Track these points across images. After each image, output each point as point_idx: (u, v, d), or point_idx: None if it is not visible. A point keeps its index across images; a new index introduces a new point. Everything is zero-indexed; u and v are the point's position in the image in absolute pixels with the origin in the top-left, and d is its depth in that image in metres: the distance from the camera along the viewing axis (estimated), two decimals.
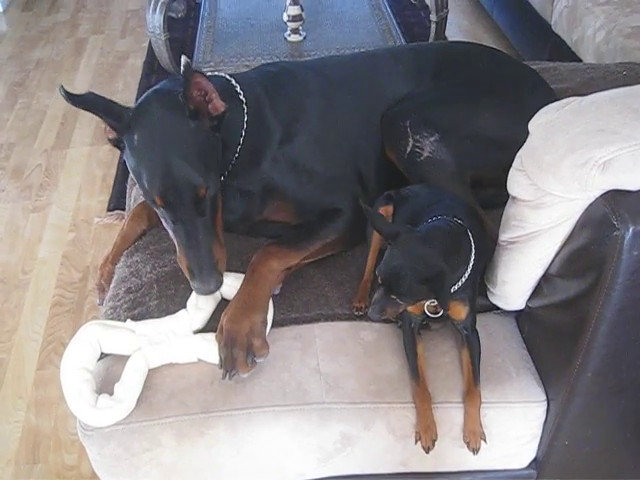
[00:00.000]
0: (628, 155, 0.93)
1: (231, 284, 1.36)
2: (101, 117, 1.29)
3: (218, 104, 1.30)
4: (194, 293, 1.36)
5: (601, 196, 1.00)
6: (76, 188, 2.83)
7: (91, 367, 1.26)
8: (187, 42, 3.62)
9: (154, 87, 1.37)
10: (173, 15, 2.90)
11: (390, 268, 1.13)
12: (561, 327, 1.20)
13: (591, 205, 1.02)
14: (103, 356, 1.32)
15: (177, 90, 1.26)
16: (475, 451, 1.24)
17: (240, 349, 1.24)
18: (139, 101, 1.33)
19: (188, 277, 1.30)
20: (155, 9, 2.76)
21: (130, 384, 1.22)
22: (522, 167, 1.07)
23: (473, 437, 1.23)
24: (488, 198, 1.51)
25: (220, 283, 1.30)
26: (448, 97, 1.56)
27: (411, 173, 1.48)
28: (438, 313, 1.24)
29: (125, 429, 1.23)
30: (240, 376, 1.24)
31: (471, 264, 1.20)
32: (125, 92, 3.44)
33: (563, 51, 2.70)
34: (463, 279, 1.19)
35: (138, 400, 1.24)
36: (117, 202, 2.66)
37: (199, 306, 1.34)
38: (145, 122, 1.27)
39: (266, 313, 1.31)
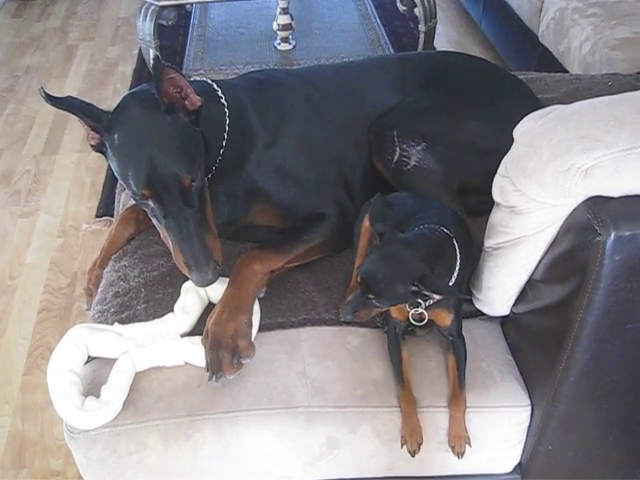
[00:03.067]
0: (610, 162, 0.95)
1: (218, 288, 1.36)
2: (81, 118, 1.31)
3: (194, 99, 1.31)
4: (182, 296, 1.37)
5: (584, 202, 1.02)
6: (65, 194, 2.83)
7: (78, 370, 1.26)
8: (177, 50, 3.63)
9: (132, 90, 1.40)
10: (164, 23, 2.91)
11: (370, 267, 1.14)
12: (545, 332, 1.21)
13: (574, 211, 1.04)
14: (90, 359, 1.32)
15: (153, 90, 1.27)
16: (460, 455, 1.25)
17: (226, 351, 1.25)
18: (117, 103, 1.35)
19: (186, 272, 1.31)
20: (146, 17, 2.77)
21: (117, 386, 1.22)
22: (507, 173, 1.09)
23: (458, 441, 1.24)
24: (474, 205, 1.52)
25: (218, 272, 1.31)
26: (435, 106, 1.58)
27: (398, 182, 1.50)
28: (423, 320, 1.25)
29: (112, 432, 1.23)
30: (226, 378, 1.24)
31: (456, 272, 1.22)
32: (115, 99, 3.44)
33: (550, 62, 2.73)
34: (458, 265, 1.22)
35: (125, 403, 1.24)
36: (106, 208, 2.66)
37: (186, 309, 1.34)
38: (123, 121, 1.29)
39: (251, 314, 1.32)
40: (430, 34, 3.02)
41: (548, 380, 1.20)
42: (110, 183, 2.77)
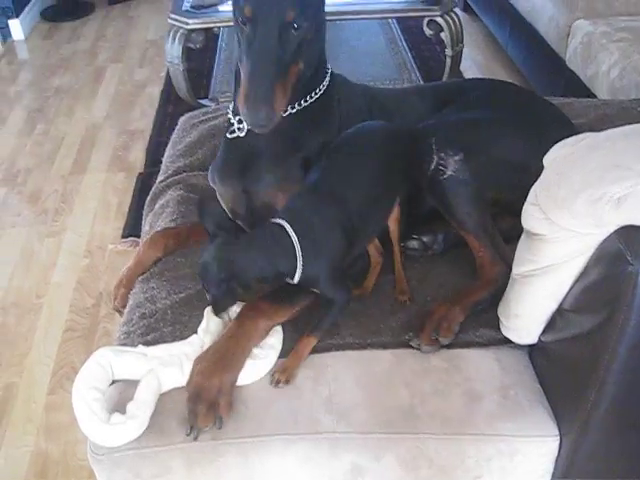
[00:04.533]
0: None
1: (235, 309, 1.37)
2: None
3: None
4: (205, 319, 1.37)
5: (615, 231, 1.00)
6: (91, 214, 2.86)
7: (103, 388, 1.26)
8: (204, 72, 3.67)
9: None
10: (192, 46, 2.95)
11: (201, 266, 1.27)
12: (574, 362, 1.19)
13: (605, 240, 1.03)
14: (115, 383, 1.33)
15: None
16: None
17: (204, 405, 1.23)
18: None
19: (241, 106, 1.29)
20: (174, 40, 2.81)
21: (143, 400, 1.22)
22: (536, 201, 1.08)
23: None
24: (507, 230, 1.52)
25: (271, 121, 1.29)
26: (473, 120, 1.58)
27: (433, 191, 1.49)
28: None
29: (135, 454, 1.23)
30: (201, 430, 1.23)
31: (299, 257, 1.26)
32: (142, 120, 3.49)
33: (577, 87, 2.72)
34: (298, 271, 1.27)
35: (149, 425, 1.24)
36: (132, 229, 2.68)
37: (209, 330, 1.34)
38: None
39: (238, 372, 1.29)
40: (457, 58, 3.03)
41: (577, 410, 1.18)
42: (136, 204, 2.79)
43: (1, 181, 3.10)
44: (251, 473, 1.25)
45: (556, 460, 1.27)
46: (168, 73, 3.77)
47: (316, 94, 1.48)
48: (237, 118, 1.50)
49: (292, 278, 1.29)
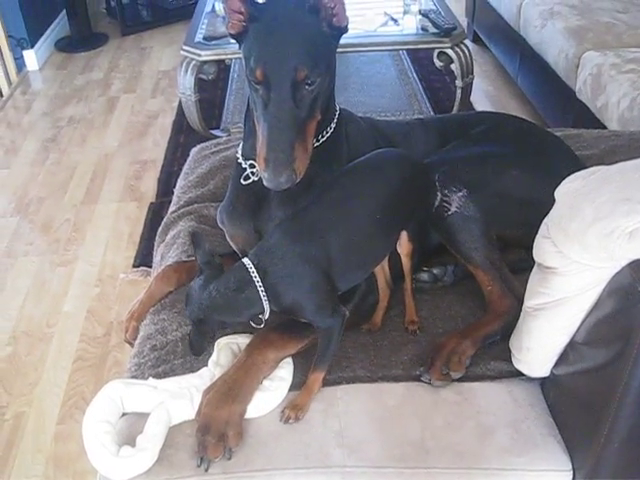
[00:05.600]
0: None
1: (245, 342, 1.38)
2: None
3: (342, 17, 1.37)
4: (215, 352, 1.37)
5: (628, 265, 1.00)
6: (103, 243, 2.88)
7: (113, 421, 1.26)
8: (216, 103, 3.71)
9: None
10: (204, 77, 2.99)
11: (187, 297, 1.31)
12: (587, 395, 1.18)
13: (617, 274, 1.02)
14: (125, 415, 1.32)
15: None
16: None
17: (213, 437, 1.23)
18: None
19: (262, 168, 1.30)
20: (187, 71, 2.84)
21: (153, 434, 1.22)
22: (548, 234, 1.08)
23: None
24: (515, 263, 1.52)
25: (292, 182, 1.29)
26: (477, 155, 1.59)
27: (439, 227, 1.50)
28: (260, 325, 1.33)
29: None
30: (212, 461, 1.22)
31: (262, 297, 1.26)
32: (155, 150, 3.52)
33: (587, 118, 2.73)
34: (266, 309, 1.28)
35: (159, 458, 1.23)
36: (143, 259, 2.70)
37: (220, 362, 1.35)
38: (272, 10, 1.37)
39: (247, 404, 1.29)
40: (467, 89, 3.05)
41: (591, 445, 1.17)
42: (148, 234, 2.81)
43: (14, 210, 3.13)
44: None
45: None
46: (180, 104, 3.82)
47: (327, 133, 1.48)
48: (249, 163, 1.50)
49: (263, 314, 1.30)
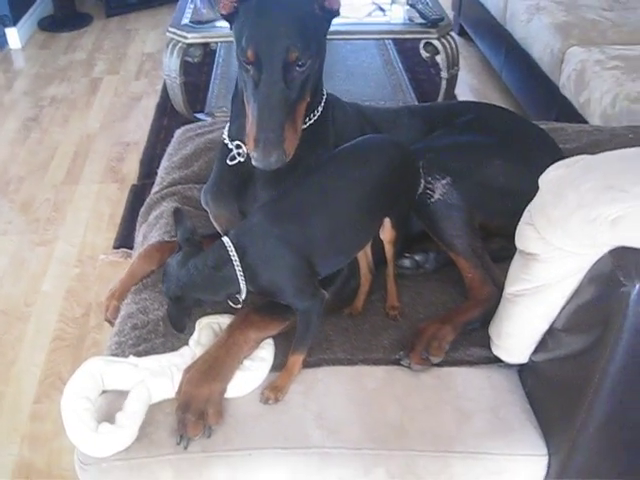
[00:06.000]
0: (637, 213, 0.96)
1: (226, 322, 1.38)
2: None
3: (334, 1, 1.38)
4: (196, 331, 1.38)
5: (609, 252, 1.02)
6: (83, 224, 2.85)
7: (92, 398, 1.26)
8: (201, 87, 3.69)
9: None
10: (189, 60, 2.97)
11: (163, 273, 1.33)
12: (564, 382, 1.20)
13: (598, 261, 1.04)
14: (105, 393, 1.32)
15: None
16: None
17: (193, 414, 1.24)
18: None
19: (251, 148, 1.30)
20: (172, 53, 2.83)
21: (132, 411, 1.21)
22: (531, 221, 1.10)
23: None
24: (497, 251, 1.53)
25: (282, 162, 1.30)
26: (462, 143, 1.60)
27: (421, 214, 1.50)
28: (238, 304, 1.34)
29: (124, 465, 1.22)
30: (191, 439, 1.23)
31: (240, 276, 1.26)
32: (137, 132, 3.50)
33: (570, 113, 2.75)
34: (243, 293, 1.29)
35: (138, 436, 1.23)
36: (123, 240, 2.68)
37: (201, 342, 1.35)
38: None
39: (227, 383, 1.29)
40: (452, 81, 3.06)
41: (566, 430, 1.19)
42: (129, 216, 2.79)
43: None
44: None
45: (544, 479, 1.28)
46: (164, 86, 3.79)
47: (314, 116, 1.48)
48: (235, 144, 1.49)
49: (240, 294, 1.30)
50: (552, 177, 1.08)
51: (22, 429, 2.00)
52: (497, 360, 1.36)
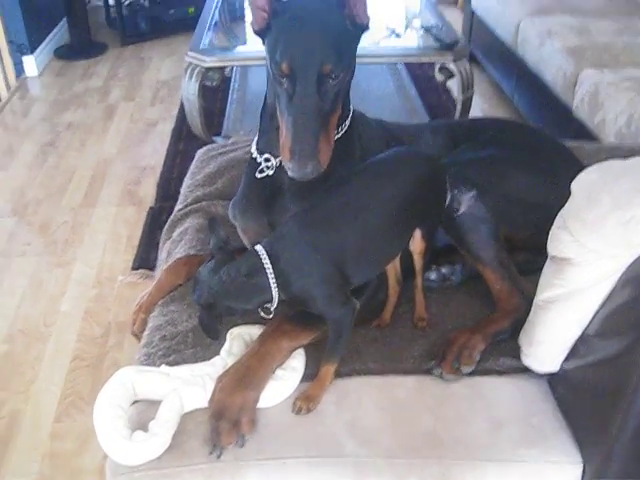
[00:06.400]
0: None
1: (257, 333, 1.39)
2: None
3: (363, 15, 1.40)
4: (228, 341, 1.38)
5: None
6: (101, 246, 2.87)
7: (125, 407, 1.26)
8: (216, 112, 3.72)
9: None
10: (208, 83, 3.01)
11: (194, 281, 1.33)
12: (597, 388, 1.20)
13: (634, 262, 1.04)
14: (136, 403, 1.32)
15: None
16: None
17: (227, 422, 1.24)
18: None
19: (286, 159, 1.32)
20: (191, 77, 2.87)
21: (165, 419, 1.22)
22: (564, 225, 1.10)
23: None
24: (522, 264, 1.54)
25: (317, 172, 1.32)
26: (486, 158, 1.62)
27: (448, 227, 1.52)
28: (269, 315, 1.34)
29: (156, 474, 1.22)
30: (224, 448, 1.23)
31: (272, 285, 1.27)
32: (154, 156, 3.53)
33: (585, 134, 2.78)
34: (275, 301, 1.29)
35: (171, 445, 1.23)
36: (141, 262, 2.70)
37: (232, 351, 1.35)
38: (297, 8, 1.40)
39: (261, 391, 1.30)
40: (467, 104, 3.09)
41: (601, 437, 1.18)
42: (147, 237, 2.82)
43: (11, 211, 3.12)
44: None
45: None
46: (180, 112, 3.85)
47: (342, 130, 1.50)
48: (264, 157, 1.52)
49: (271, 303, 1.31)
50: (585, 182, 1.09)
51: (42, 448, 1.99)
52: (527, 370, 1.36)
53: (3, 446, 2.00)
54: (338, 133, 1.49)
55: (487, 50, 4.10)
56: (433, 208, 1.44)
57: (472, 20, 4.28)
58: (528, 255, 1.58)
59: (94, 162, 3.51)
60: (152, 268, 2.52)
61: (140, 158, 3.55)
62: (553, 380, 1.36)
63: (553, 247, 1.16)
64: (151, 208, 3.06)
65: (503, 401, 1.33)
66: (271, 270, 1.27)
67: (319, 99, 1.32)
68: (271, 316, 1.34)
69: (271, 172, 1.51)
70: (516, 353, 1.37)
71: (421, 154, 1.52)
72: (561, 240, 1.12)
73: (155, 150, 3.60)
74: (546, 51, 3.17)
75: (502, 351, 1.42)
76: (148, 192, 3.23)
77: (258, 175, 1.53)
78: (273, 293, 1.28)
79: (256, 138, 1.58)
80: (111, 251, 2.84)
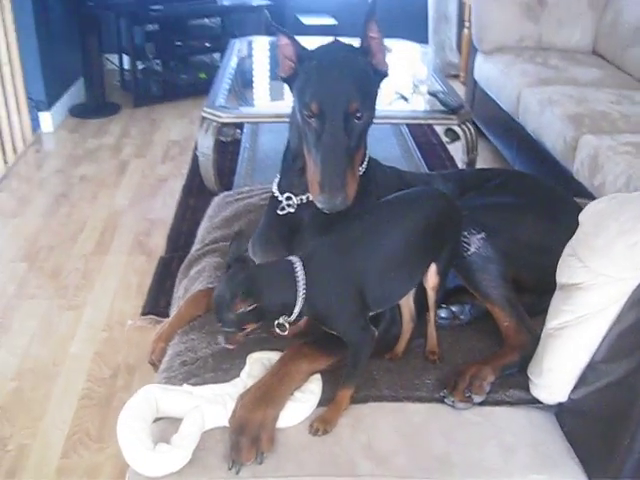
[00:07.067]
0: None
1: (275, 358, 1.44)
2: (293, 43, 1.52)
3: (383, 62, 1.53)
4: (247, 364, 1.43)
5: None
6: (111, 292, 2.92)
7: (148, 420, 1.30)
8: (226, 170, 3.83)
9: None
10: (222, 139, 3.13)
11: (214, 297, 1.34)
12: (604, 413, 1.25)
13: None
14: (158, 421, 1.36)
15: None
16: None
17: (247, 438, 1.28)
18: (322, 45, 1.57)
19: (315, 193, 1.42)
20: (207, 132, 2.99)
21: (188, 433, 1.26)
22: (574, 252, 1.18)
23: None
24: (529, 306, 1.60)
25: (345, 205, 1.41)
26: (494, 203, 1.72)
27: (458, 267, 1.59)
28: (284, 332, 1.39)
29: None
30: (243, 465, 1.26)
31: (301, 293, 1.33)
32: (164, 210, 3.62)
33: (585, 196, 2.87)
34: (295, 312, 1.34)
35: (191, 460, 1.26)
36: (151, 308, 2.75)
37: (252, 374, 1.40)
38: (325, 52, 1.53)
39: (280, 409, 1.35)
40: (472, 165, 3.21)
41: (609, 463, 1.23)
42: (157, 285, 2.87)
43: (23, 257, 3.18)
44: None
45: None
46: (190, 169, 3.97)
47: (360, 172, 1.60)
48: (285, 196, 1.62)
49: (290, 314, 1.36)
50: (592, 211, 1.17)
51: None
52: (535, 402, 1.41)
53: (10, 479, 2.01)
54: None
55: (489, 119, 4.25)
56: (448, 244, 1.52)
57: (474, 90, 4.45)
58: (534, 297, 1.65)
59: (106, 213, 3.60)
60: (161, 314, 2.59)
61: (151, 211, 3.64)
62: (561, 412, 1.40)
63: (562, 274, 1.23)
64: (162, 257, 3.13)
65: (513, 429, 1.37)
66: (304, 280, 1.33)
67: (346, 136, 1.43)
68: (286, 332, 1.39)
69: (292, 210, 1.60)
70: (525, 386, 1.43)
71: (439, 192, 1.61)
72: (570, 266, 1.19)
73: (165, 204, 3.69)
74: (546, 118, 3.30)
75: (512, 384, 1.47)
76: (158, 243, 3.30)
77: (280, 212, 1.61)
78: (298, 303, 1.33)
79: (277, 180, 1.67)
80: (121, 297, 2.89)
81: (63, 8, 4.85)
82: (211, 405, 1.32)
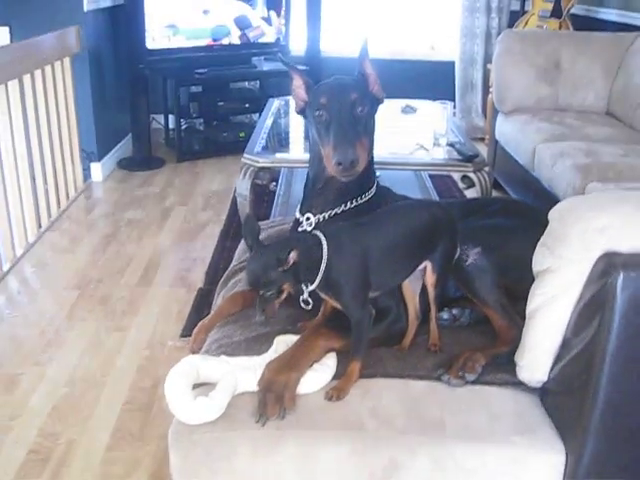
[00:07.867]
0: (619, 224, 1.30)
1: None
2: (303, 79, 1.89)
3: (379, 91, 1.88)
4: (274, 343, 1.70)
5: (600, 257, 1.35)
6: (154, 317, 3.22)
7: (190, 382, 1.56)
8: (262, 212, 4.14)
9: None
10: (258, 182, 3.44)
11: (247, 272, 1.58)
12: (573, 383, 1.47)
13: (594, 266, 1.36)
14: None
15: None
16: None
17: (273, 396, 1.53)
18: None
19: (330, 157, 1.74)
20: (245, 175, 3.31)
21: (223, 389, 1.51)
22: (544, 243, 1.44)
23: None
24: (522, 313, 1.83)
25: (356, 162, 1.72)
26: (490, 223, 1.99)
27: (458, 276, 1.84)
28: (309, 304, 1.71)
29: (210, 437, 1.49)
30: (268, 419, 1.50)
31: (324, 261, 1.58)
32: (203, 250, 3.94)
33: None
34: (318, 278, 1.59)
35: (223, 414, 1.51)
36: (189, 331, 2.92)
37: (277, 351, 1.66)
38: (330, 81, 1.87)
39: (302, 374, 1.59)
40: None
41: (577, 424, 1.45)
42: (195, 312, 3.16)
43: (74, 286, 3.51)
44: (305, 460, 1.50)
45: (564, 473, 1.51)
46: (228, 216, 4.30)
47: (366, 196, 1.90)
48: (305, 216, 1.92)
49: (312, 282, 1.61)
50: (559, 208, 1.44)
51: (94, 470, 2.25)
52: (522, 384, 1.63)
53: (59, 466, 2.26)
54: (363, 198, 1.89)
55: (508, 174, 4.54)
56: (441, 245, 1.77)
57: (495, 149, 4.75)
58: (524, 305, 1.88)
59: (150, 252, 3.93)
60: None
61: (191, 251, 3.96)
62: (542, 392, 1.63)
63: (536, 264, 1.48)
64: (200, 289, 3.43)
65: (500, 403, 1.60)
66: (327, 251, 1.59)
67: (352, 118, 1.77)
68: (309, 307, 1.70)
69: (309, 228, 1.89)
70: (513, 372, 1.65)
71: (436, 203, 1.90)
72: (541, 255, 1.45)
73: (204, 246, 4.01)
74: (558, 169, 3.57)
75: (501, 369, 1.69)
76: (197, 278, 3.60)
77: (299, 229, 1.90)
78: (321, 270, 1.59)
79: (299, 205, 1.97)
80: (163, 322, 3.18)
81: (116, 70, 5.35)
82: (243, 371, 1.58)
